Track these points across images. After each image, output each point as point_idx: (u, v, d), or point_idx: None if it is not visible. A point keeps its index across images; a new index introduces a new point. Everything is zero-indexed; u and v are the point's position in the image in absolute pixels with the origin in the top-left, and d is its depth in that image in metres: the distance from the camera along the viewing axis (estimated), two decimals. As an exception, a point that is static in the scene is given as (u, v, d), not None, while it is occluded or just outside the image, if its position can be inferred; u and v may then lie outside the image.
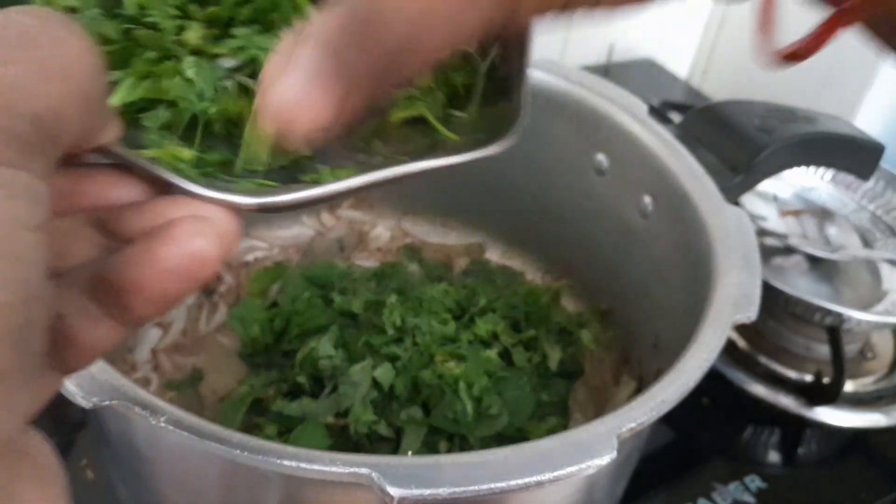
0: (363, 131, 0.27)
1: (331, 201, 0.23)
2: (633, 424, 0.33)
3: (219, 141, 0.25)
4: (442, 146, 0.27)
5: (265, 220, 0.64)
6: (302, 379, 0.48)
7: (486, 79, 0.29)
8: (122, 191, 0.21)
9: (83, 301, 0.19)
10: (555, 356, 0.53)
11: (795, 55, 0.28)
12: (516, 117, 0.28)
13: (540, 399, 0.50)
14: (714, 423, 0.62)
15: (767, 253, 0.66)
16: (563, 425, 0.50)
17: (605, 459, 0.31)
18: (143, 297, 0.19)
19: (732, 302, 0.41)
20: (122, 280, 0.19)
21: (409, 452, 0.45)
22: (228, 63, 0.26)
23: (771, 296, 0.55)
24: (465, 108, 0.29)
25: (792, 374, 0.63)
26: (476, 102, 0.29)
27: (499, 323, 0.53)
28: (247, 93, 0.25)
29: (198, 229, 0.20)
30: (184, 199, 0.21)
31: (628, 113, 0.55)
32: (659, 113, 0.55)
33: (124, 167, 0.21)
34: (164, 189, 0.21)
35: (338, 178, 0.24)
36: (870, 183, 0.72)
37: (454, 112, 0.29)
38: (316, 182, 0.24)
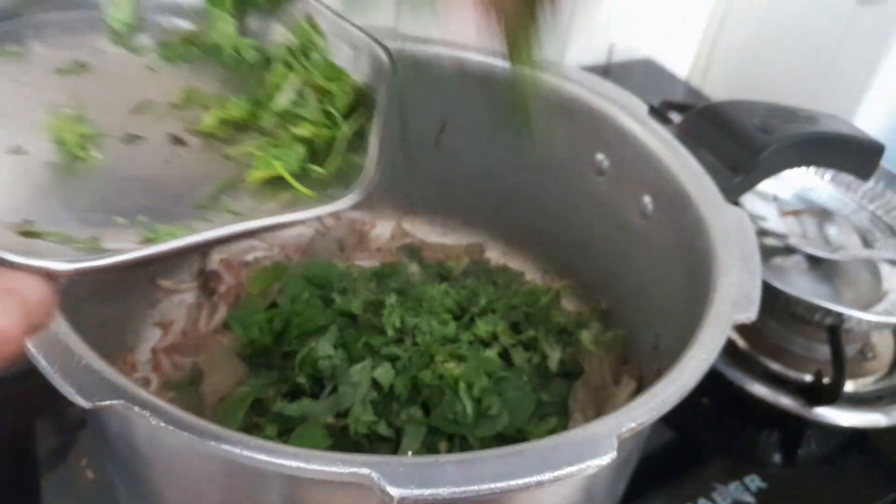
0: (210, 190, 0.28)
1: (160, 260, 0.23)
2: (633, 424, 0.33)
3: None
4: (298, 199, 0.28)
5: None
6: (302, 379, 0.48)
7: (349, 137, 0.30)
8: None
9: None
10: (555, 356, 0.53)
11: None
12: (363, 174, 0.28)
13: (540, 399, 0.50)
14: (714, 423, 0.62)
15: (767, 253, 0.66)
16: (563, 425, 0.50)
17: (605, 459, 0.31)
18: None
19: (732, 302, 0.41)
20: None
21: (409, 452, 0.45)
22: None
23: (771, 296, 0.54)
24: (323, 163, 0.30)
25: (792, 374, 0.63)
26: (337, 159, 0.30)
27: (499, 323, 0.53)
28: None
29: (1, 305, 0.18)
30: None
31: (628, 113, 0.55)
32: (659, 113, 0.55)
33: None
34: None
35: (172, 237, 0.24)
36: (870, 183, 0.72)
37: (313, 167, 0.30)
38: (149, 241, 0.23)
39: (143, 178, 0.28)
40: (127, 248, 0.23)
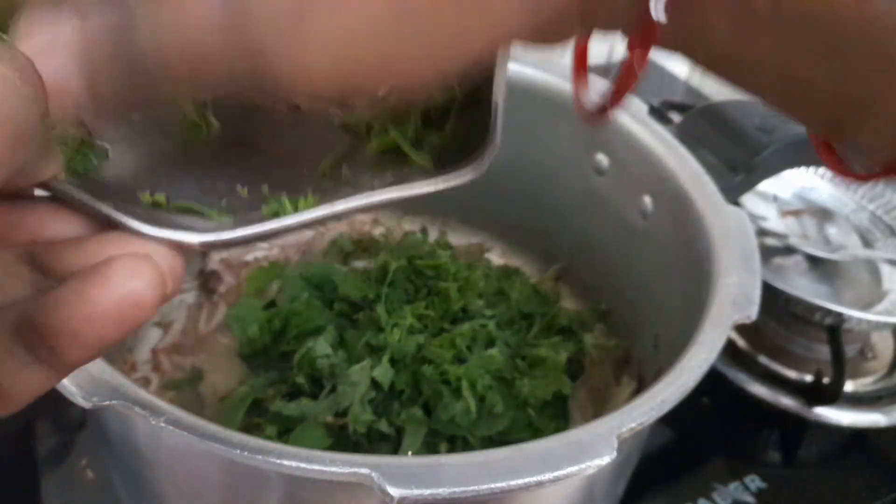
0: (330, 159, 0.27)
1: (286, 234, 0.22)
2: (633, 424, 0.33)
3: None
4: (415, 171, 0.27)
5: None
6: (300, 379, 0.48)
7: (462, 101, 0.29)
8: (60, 225, 0.20)
9: (9, 343, 0.18)
10: (556, 357, 0.53)
11: (604, 110, 0.28)
12: (489, 143, 0.27)
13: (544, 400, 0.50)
14: (714, 423, 0.62)
15: (767, 253, 0.66)
16: (563, 425, 0.50)
17: (605, 459, 0.31)
18: (73, 341, 0.17)
19: (732, 302, 0.41)
20: (51, 323, 0.17)
21: (410, 452, 0.45)
22: None
23: (771, 296, 0.54)
24: (441, 126, 0.29)
25: (792, 374, 0.63)
26: (453, 121, 0.28)
27: (499, 323, 0.53)
28: None
29: (135, 269, 0.18)
30: (125, 236, 0.20)
31: (628, 113, 0.55)
32: (659, 113, 0.55)
33: (64, 201, 0.20)
34: (106, 225, 0.20)
35: (296, 210, 0.23)
36: (870, 183, 0.72)
37: (429, 132, 0.29)
38: (275, 214, 0.23)
39: (262, 147, 0.27)
40: (254, 221, 0.23)
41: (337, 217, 0.24)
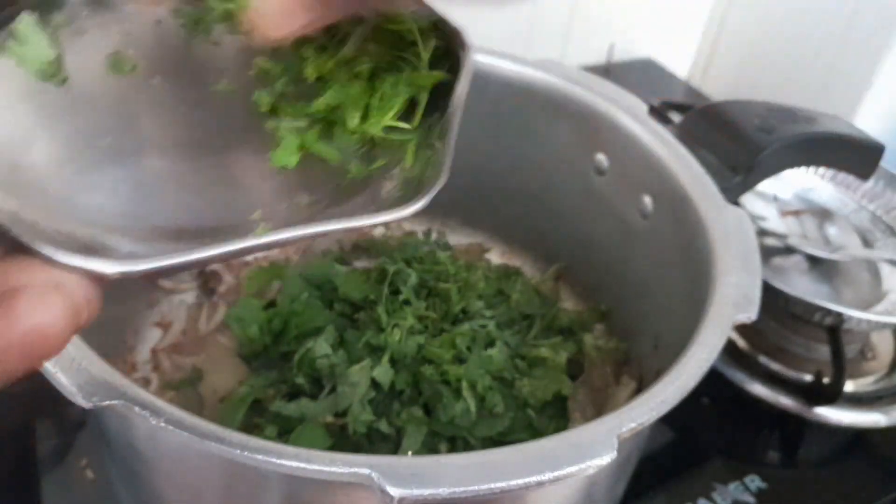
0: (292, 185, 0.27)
1: (205, 265, 0.22)
2: (633, 424, 0.33)
3: None
4: (346, 188, 0.27)
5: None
6: (300, 379, 0.48)
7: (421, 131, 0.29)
8: None
9: None
10: (557, 358, 0.53)
11: None
12: (437, 178, 0.27)
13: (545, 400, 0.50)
14: (714, 423, 0.62)
15: (767, 253, 0.66)
16: (563, 425, 0.50)
17: (605, 459, 0.31)
18: None
19: (732, 302, 0.41)
20: None
21: (410, 452, 0.45)
22: None
23: (771, 296, 0.54)
24: (409, 119, 0.29)
25: (792, 374, 0.63)
26: (419, 116, 0.29)
27: (499, 323, 0.53)
28: None
29: (44, 301, 0.17)
30: (35, 263, 0.19)
31: (628, 113, 0.55)
32: (659, 113, 0.55)
33: None
34: (13, 250, 0.19)
35: (216, 243, 0.23)
36: (870, 183, 0.72)
37: (399, 124, 0.29)
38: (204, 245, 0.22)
39: (189, 182, 0.27)
40: (173, 252, 0.22)
41: (266, 247, 0.23)
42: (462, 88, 0.28)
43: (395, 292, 0.53)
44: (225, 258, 0.23)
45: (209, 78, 0.29)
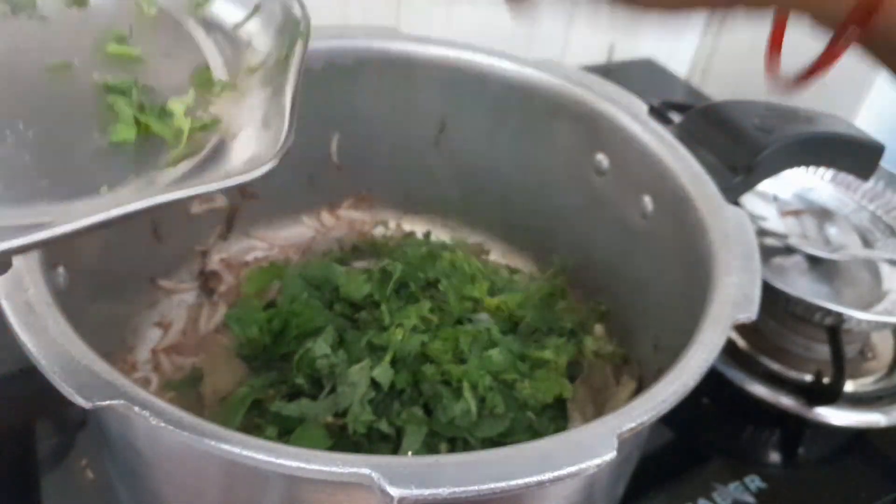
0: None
1: (74, 237, 0.22)
2: (633, 424, 0.33)
3: None
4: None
5: (265, 219, 0.64)
6: (300, 380, 0.48)
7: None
8: None
9: None
10: (558, 358, 0.53)
11: (805, 78, 0.32)
12: (282, 138, 0.27)
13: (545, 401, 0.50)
14: (714, 423, 0.62)
15: (767, 253, 0.66)
16: (563, 427, 0.50)
17: (605, 459, 0.31)
18: None
19: (732, 302, 0.41)
20: None
21: (410, 452, 0.45)
22: None
23: (771, 296, 0.54)
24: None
25: (792, 374, 0.63)
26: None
27: (500, 324, 0.53)
28: None
29: None
30: None
31: (628, 113, 0.55)
32: (659, 113, 0.55)
33: None
34: None
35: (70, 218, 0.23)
36: (870, 183, 0.72)
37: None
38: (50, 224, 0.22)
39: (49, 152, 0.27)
40: (26, 229, 0.22)
41: (118, 220, 0.23)
42: (297, 55, 0.28)
43: (397, 291, 0.53)
44: (78, 233, 0.23)
45: (44, 56, 0.29)
